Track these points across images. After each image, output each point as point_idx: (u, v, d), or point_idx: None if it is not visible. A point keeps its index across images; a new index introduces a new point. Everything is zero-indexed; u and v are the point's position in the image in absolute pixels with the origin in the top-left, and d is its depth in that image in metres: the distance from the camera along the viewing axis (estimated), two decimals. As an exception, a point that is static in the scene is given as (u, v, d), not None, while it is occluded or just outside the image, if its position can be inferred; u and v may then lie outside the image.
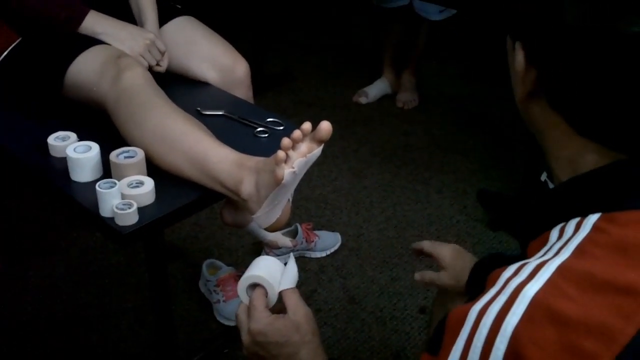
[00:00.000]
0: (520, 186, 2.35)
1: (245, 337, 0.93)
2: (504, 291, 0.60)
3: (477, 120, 2.90)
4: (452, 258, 1.21)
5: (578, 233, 0.63)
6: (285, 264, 1.00)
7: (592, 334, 0.55)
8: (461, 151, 2.76)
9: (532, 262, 0.62)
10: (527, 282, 0.59)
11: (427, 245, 1.26)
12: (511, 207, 0.83)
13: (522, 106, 0.75)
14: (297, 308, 0.93)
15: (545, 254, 0.64)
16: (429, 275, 1.24)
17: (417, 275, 1.26)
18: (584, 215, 0.64)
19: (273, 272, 0.95)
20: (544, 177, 2.29)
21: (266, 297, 0.93)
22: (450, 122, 2.97)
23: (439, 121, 2.99)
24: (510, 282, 0.61)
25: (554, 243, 0.65)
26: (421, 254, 1.29)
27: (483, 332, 0.59)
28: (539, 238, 0.68)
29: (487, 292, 0.62)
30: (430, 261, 1.30)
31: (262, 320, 0.91)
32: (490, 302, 0.60)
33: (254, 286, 0.95)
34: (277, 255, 2.16)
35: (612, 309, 0.56)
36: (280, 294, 0.94)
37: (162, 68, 1.65)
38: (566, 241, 0.63)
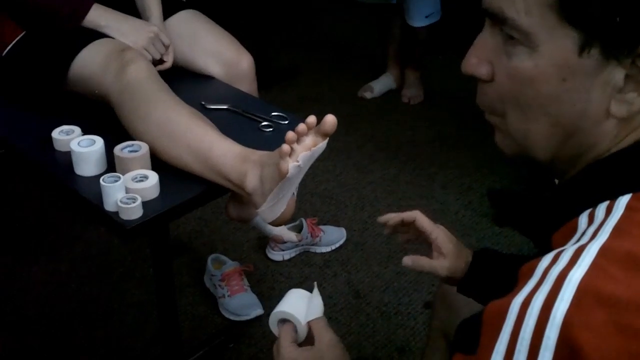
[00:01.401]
0: (526, 181, 2.34)
1: None
2: (545, 280, 0.58)
3: (482, 116, 2.87)
4: (454, 245, 1.10)
5: (611, 215, 0.62)
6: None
7: None
8: (466, 146, 2.75)
9: (570, 249, 0.60)
10: (569, 268, 0.58)
11: (421, 220, 1.12)
12: (521, 203, 0.81)
13: (596, 122, 0.67)
14: (321, 337, 0.94)
15: (579, 239, 0.62)
16: (424, 262, 1.10)
17: (408, 260, 1.10)
18: (613, 198, 0.63)
19: (300, 305, 0.98)
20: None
21: (295, 331, 0.96)
22: (456, 117, 2.96)
23: (444, 116, 2.98)
24: (550, 271, 0.59)
25: (586, 228, 0.63)
26: (398, 230, 1.15)
27: (530, 324, 0.57)
28: (564, 227, 0.67)
29: (524, 284, 0.60)
30: (416, 243, 1.17)
31: (287, 355, 0.94)
32: (533, 292, 0.58)
33: (284, 321, 0.99)
34: (282, 250, 2.16)
35: None
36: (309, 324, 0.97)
37: (167, 64, 1.65)
38: (600, 224, 0.62)
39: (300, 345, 0.96)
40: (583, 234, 0.63)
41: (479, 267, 1.09)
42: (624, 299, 0.55)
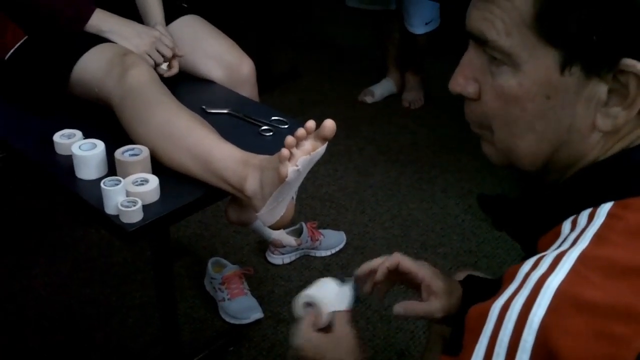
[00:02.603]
0: (525, 186, 2.35)
1: (290, 352, 0.96)
2: (525, 285, 0.60)
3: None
4: (442, 281, 1.01)
5: (593, 222, 0.63)
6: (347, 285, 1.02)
7: (621, 318, 0.56)
8: (467, 150, 2.75)
9: (550, 254, 0.62)
10: (548, 273, 0.59)
11: (404, 262, 1.03)
12: (510, 208, 0.80)
13: (584, 135, 0.68)
14: (341, 327, 0.95)
15: (560, 245, 0.63)
16: (417, 307, 1.01)
17: (400, 308, 1.00)
18: (595, 205, 0.64)
19: (328, 293, 0.97)
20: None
21: (319, 316, 0.96)
22: (456, 121, 2.96)
23: (444, 121, 2.99)
24: (530, 276, 0.60)
25: (568, 234, 0.64)
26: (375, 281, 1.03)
27: (509, 327, 0.58)
28: (550, 232, 0.68)
29: (506, 288, 0.62)
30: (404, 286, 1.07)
31: (303, 336, 0.95)
32: (513, 296, 0.60)
33: (308, 305, 0.98)
34: (282, 254, 2.17)
35: (637, 293, 0.57)
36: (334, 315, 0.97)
37: (174, 70, 1.66)
38: (581, 231, 0.63)
39: (323, 331, 0.96)
40: (565, 239, 0.64)
41: (471, 297, 1.02)
42: (602, 305, 0.56)
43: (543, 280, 0.59)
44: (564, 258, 0.60)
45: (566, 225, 0.66)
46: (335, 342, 0.94)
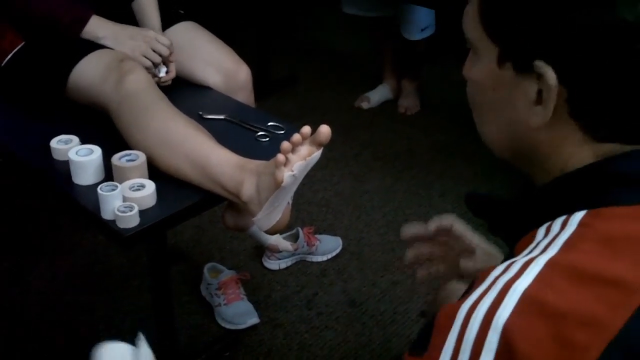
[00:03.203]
0: (522, 190, 2.35)
1: None
2: (493, 287, 0.61)
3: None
4: (486, 255, 1.02)
5: (564, 230, 0.64)
6: None
7: (582, 325, 0.56)
8: (463, 156, 2.76)
9: (520, 260, 0.63)
10: (516, 278, 0.60)
11: (459, 226, 1.04)
12: (495, 207, 0.81)
13: (527, 129, 0.71)
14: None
15: (531, 251, 0.64)
16: (473, 239, 1.02)
17: (422, 272, 1.04)
18: (570, 213, 0.66)
19: None
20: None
21: None
22: (452, 127, 2.98)
23: (441, 126, 3.00)
24: (499, 279, 0.62)
25: (540, 241, 0.65)
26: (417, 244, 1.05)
27: (474, 327, 0.59)
28: (526, 237, 0.69)
29: (475, 290, 0.63)
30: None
31: None
32: (480, 298, 0.61)
33: None
34: (278, 259, 2.17)
35: (601, 301, 0.57)
36: None
37: (171, 74, 1.66)
38: (553, 238, 0.64)
39: None
40: (537, 245, 0.65)
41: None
42: (564, 311, 0.57)
43: (510, 284, 0.60)
44: (533, 263, 0.61)
45: (540, 232, 0.67)
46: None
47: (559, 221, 0.66)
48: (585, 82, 0.66)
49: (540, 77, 0.67)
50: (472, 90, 0.77)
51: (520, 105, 0.70)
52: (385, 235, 2.34)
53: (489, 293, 0.61)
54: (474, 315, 0.60)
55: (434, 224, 1.07)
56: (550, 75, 0.66)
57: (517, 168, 0.79)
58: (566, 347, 0.56)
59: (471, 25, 0.73)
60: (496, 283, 0.61)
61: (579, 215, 0.65)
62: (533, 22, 0.66)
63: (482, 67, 0.73)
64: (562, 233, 0.64)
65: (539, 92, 0.68)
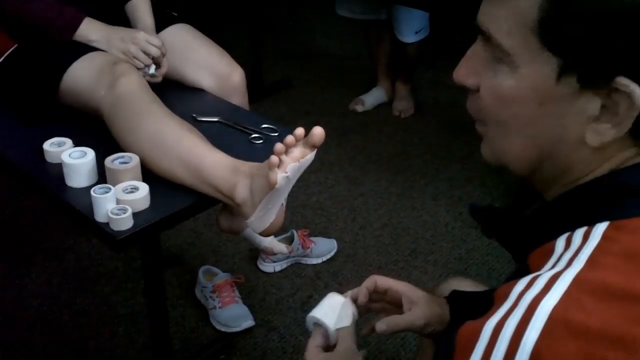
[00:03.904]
0: (514, 194, 2.36)
1: None
2: (519, 305, 0.59)
3: (473, 129, 2.88)
4: (423, 292, 1.03)
5: (587, 243, 0.62)
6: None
7: (613, 344, 0.55)
8: (457, 159, 2.77)
9: (545, 274, 0.61)
10: (543, 295, 0.59)
11: (382, 279, 1.04)
12: (502, 218, 0.80)
13: (571, 146, 0.68)
14: (340, 345, 0.97)
15: (555, 265, 0.63)
16: (398, 320, 1.01)
17: (382, 325, 1.00)
18: (590, 224, 0.64)
19: (331, 312, 1.01)
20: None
21: (327, 336, 1.00)
22: (446, 130, 2.98)
23: (435, 129, 3.00)
24: (524, 296, 0.60)
25: (562, 253, 0.64)
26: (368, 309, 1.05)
27: (501, 348, 0.57)
28: (541, 248, 0.67)
29: (498, 307, 0.61)
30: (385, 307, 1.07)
31: (308, 356, 0.98)
32: (506, 316, 0.59)
33: (318, 325, 1.02)
34: (273, 262, 2.17)
35: (631, 318, 0.56)
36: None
37: (163, 70, 1.65)
38: (576, 251, 0.62)
39: (329, 348, 0.99)
40: (559, 259, 0.63)
41: (459, 310, 1.03)
42: (594, 331, 0.56)
43: (537, 302, 0.58)
44: (559, 280, 0.59)
45: (560, 243, 0.65)
46: (337, 359, 0.95)
47: (579, 232, 0.64)
48: None
49: (610, 93, 0.63)
50: (495, 103, 0.70)
51: (573, 122, 0.66)
52: (380, 237, 2.34)
53: (515, 311, 0.59)
54: (500, 334, 0.58)
55: (362, 294, 1.04)
56: (638, 93, 0.62)
57: (525, 181, 0.76)
58: None
59: (509, 30, 0.66)
60: (522, 300, 0.59)
61: (601, 227, 0.63)
62: (619, 34, 0.61)
63: (520, 79, 0.67)
64: (585, 246, 0.62)
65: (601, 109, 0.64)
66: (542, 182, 0.74)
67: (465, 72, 0.74)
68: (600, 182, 0.68)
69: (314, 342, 0.99)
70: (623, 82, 0.62)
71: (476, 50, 0.72)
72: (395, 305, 1.05)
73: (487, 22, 0.68)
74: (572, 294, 0.58)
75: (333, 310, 1.01)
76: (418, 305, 1.01)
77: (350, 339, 0.97)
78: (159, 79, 1.66)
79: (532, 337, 0.56)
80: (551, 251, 0.65)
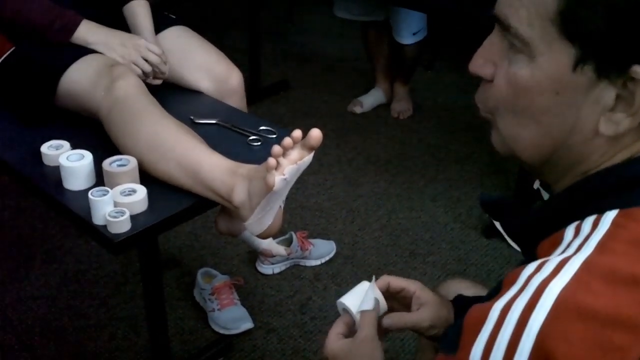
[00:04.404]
0: (513, 194, 2.36)
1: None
2: (527, 288, 0.60)
3: (471, 130, 2.90)
4: (434, 294, 1.02)
5: (597, 230, 0.63)
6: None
7: (621, 327, 0.56)
8: (455, 160, 2.77)
9: (554, 259, 0.62)
10: (551, 278, 0.59)
11: (395, 280, 1.03)
12: (512, 210, 0.81)
13: (585, 135, 0.68)
14: (361, 331, 0.95)
15: (564, 250, 0.63)
16: (405, 317, 1.00)
17: (388, 320, 0.99)
18: (599, 212, 0.65)
19: (357, 297, 1.00)
20: (536, 185, 2.30)
21: (353, 322, 0.99)
22: (445, 131, 2.98)
23: (433, 130, 3.00)
24: (532, 279, 0.60)
25: (572, 240, 0.64)
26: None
27: (508, 329, 0.58)
28: (550, 237, 0.68)
29: (507, 290, 0.62)
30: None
31: (328, 343, 0.97)
32: (514, 299, 0.60)
33: (345, 311, 1.01)
34: (272, 264, 2.17)
35: (638, 302, 0.57)
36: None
37: (162, 78, 1.66)
38: (585, 238, 0.63)
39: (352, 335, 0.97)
40: (568, 245, 0.64)
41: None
42: (603, 313, 0.56)
43: (545, 285, 0.59)
44: (568, 264, 0.60)
45: (569, 231, 0.66)
46: (351, 346, 0.94)
47: (589, 220, 0.65)
48: None
49: (626, 83, 0.64)
50: (511, 92, 0.71)
51: (589, 112, 0.67)
52: (379, 239, 2.34)
53: (523, 293, 0.60)
54: (508, 316, 0.59)
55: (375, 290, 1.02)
56: None
57: (533, 173, 0.77)
58: (606, 349, 0.55)
59: (529, 20, 0.66)
60: (530, 283, 0.60)
61: (611, 215, 0.64)
62: (636, 24, 0.62)
63: (537, 69, 0.67)
64: (594, 233, 0.63)
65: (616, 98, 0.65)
66: (553, 173, 0.74)
67: (481, 62, 0.74)
68: (612, 172, 0.68)
69: (336, 330, 0.98)
70: (639, 70, 0.63)
71: (493, 41, 0.73)
72: (405, 305, 1.04)
73: (507, 12, 0.69)
74: (581, 277, 0.59)
75: (359, 296, 1.00)
76: (426, 307, 1.00)
77: (371, 326, 0.95)
78: (158, 82, 1.66)
79: (539, 319, 0.57)
80: (560, 239, 0.66)
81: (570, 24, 0.64)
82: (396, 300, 1.04)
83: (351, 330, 0.98)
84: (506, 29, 0.69)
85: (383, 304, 1.00)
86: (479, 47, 0.75)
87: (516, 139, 0.74)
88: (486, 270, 2.20)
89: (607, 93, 0.65)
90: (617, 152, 0.69)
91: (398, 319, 1.00)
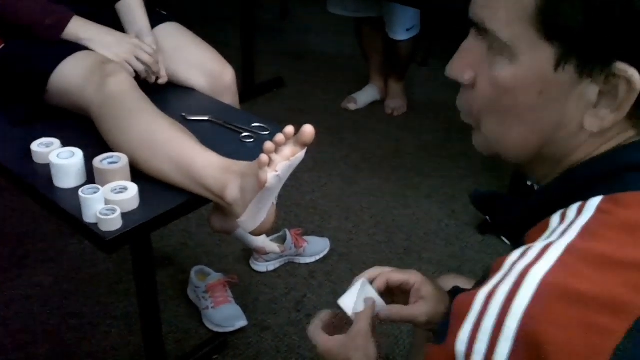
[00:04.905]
0: (508, 191, 2.36)
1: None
2: (510, 273, 0.60)
3: (465, 126, 2.89)
4: (434, 287, 1.01)
5: (581, 215, 0.64)
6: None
7: (606, 309, 0.56)
8: (450, 157, 2.76)
9: (537, 245, 0.62)
10: (534, 263, 0.60)
11: (392, 274, 1.01)
12: (504, 204, 0.80)
13: (571, 132, 0.68)
14: (354, 325, 0.96)
15: (549, 237, 0.64)
16: (401, 311, 0.99)
17: (386, 312, 0.98)
18: (584, 199, 0.65)
19: (351, 299, 1.00)
20: (530, 181, 2.30)
21: (340, 319, 1.01)
22: (439, 128, 2.98)
23: (428, 127, 3.00)
24: (516, 265, 0.61)
25: (556, 227, 0.65)
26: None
27: (493, 313, 0.59)
28: (538, 226, 0.68)
29: (491, 277, 0.62)
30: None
31: (314, 338, 0.99)
32: (498, 284, 0.60)
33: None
34: (266, 261, 2.16)
35: (625, 284, 0.57)
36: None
37: (162, 80, 1.66)
38: (570, 224, 0.63)
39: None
40: (553, 232, 0.65)
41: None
42: (588, 295, 0.57)
43: (528, 269, 0.59)
44: (551, 248, 0.61)
45: (555, 219, 0.66)
46: (350, 339, 0.94)
47: (574, 207, 0.65)
48: None
49: (608, 79, 0.64)
50: (494, 94, 0.70)
51: (573, 108, 0.67)
52: (374, 236, 2.34)
53: (506, 279, 0.60)
54: (492, 301, 0.59)
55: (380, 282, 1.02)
56: (637, 78, 0.63)
57: (521, 170, 0.77)
58: (591, 330, 0.56)
59: (507, 21, 0.66)
60: (513, 268, 0.61)
61: (595, 201, 0.64)
62: (615, 21, 0.61)
63: (519, 69, 0.67)
64: (578, 218, 0.63)
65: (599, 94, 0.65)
66: (540, 170, 0.75)
67: (460, 67, 0.74)
68: (598, 160, 0.69)
69: (316, 325, 1.00)
70: (621, 67, 0.63)
71: (470, 44, 0.73)
72: (406, 294, 1.03)
73: (483, 15, 0.68)
74: (565, 260, 0.59)
75: (354, 296, 1.00)
76: (425, 302, 0.99)
77: (364, 321, 0.96)
78: (163, 81, 1.67)
79: (523, 302, 0.57)
80: (547, 227, 0.66)
81: (549, 22, 0.64)
82: (397, 292, 1.04)
83: (341, 325, 0.99)
84: (484, 32, 0.69)
85: (379, 301, 0.99)
86: (456, 53, 0.74)
87: (501, 140, 0.74)
88: (481, 266, 2.20)
89: (590, 89, 0.65)
90: (603, 144, 0.69)
91: (395, 311, 1.00)
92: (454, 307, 0.64)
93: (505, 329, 0.57)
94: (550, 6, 0.63)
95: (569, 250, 0.60)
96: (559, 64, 0.65)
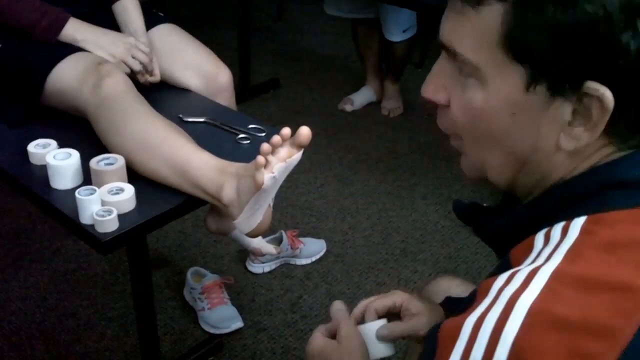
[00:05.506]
0: (503, 192, 2.36)
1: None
2: (498, 300, 0.59)
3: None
4: (422, 303, 1.00)
5: (566, 237, 0.63)
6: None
7: (594, 334, 0.55)
8: (446, 158, 2.77)
9: (524, 269, 0.61)
10: (522, 289, 0.59)
11: (376, 302, 1.00)
12: (485, 216, 0.80)
13: (547, 152, 0.68)
14: (340, 329, 0.94)
15: (534, 260, 0.63)
16: (402, 326, 0.98)
17: (384, 331, 0.96)
18: (568, 218, 0.64)
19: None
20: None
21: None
22: (436, 129, 2.97)
23: (424, 128, 3.00)
24: (503, 292, 0.60)
25: (542, 249, 0.64)
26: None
27: (482, 343, 0.58)
28: (522, 244, 0.68)
29: (479, 303, 0.61)
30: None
31: (312, 341, 0.97)
32: (486, 312, 0.59)
33: None
34: (262, 262, 2.16)
35: (611, 308, 0.57)
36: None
37: (156, 78, 1.66)
38: (555, 246, 0.63)
39: None
40: (539, 254, 0.64)
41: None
42: (575, 322, 0.56)
43: (517, 297, 0.58)
44: (538, 274, 0.60)
45: (539, 238, 0.66)
46: (339, 346, 0.93)
47: (558, 227, 0.65)
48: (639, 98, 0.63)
49: (580, 98, 0.64)
50: (467, 118, 0.70)
51: (548, 128, 0.67)
52: (370, 237, 2.34)
53: (494, 306, 0.59)
54: (481, 330, 0.58)
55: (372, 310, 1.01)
56: (608, 96, 0.62)
57: (507, 191, 0.76)
58: (580, 358, 0.55)
59: (474, 46, 0.66)
60: (501, 295, 0.60)
61: (579, 221, 0.63)
62: (579, 44, 0.61)
63: (490, 92, 0.67)
64: (564, 241, 0.63)
65: (573, 113, 0.65)
66: (521, 189, 0.75)
67: (433, 89, 0.74)
68: (578, 179, 0.68)
69: (318, 330, 0.98)
70: (592, 86, 0.63)
71: (442, 66, 0.73)
72: (396, 317, 1.02)
73: (451, 39, 0.69)
74: (552, 287, 0.58)
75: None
76: (421, 316, 0.98)
77: (346, 322, 0.94)
78: (156, 80, 1.67)
79: (512, 331, 0.57)
80: (531, 247, 0.66)
81: (516, 47, 0.64)
82: (387, 317, 1.02)
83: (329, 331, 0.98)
84: (453, 55, 0.69)
85: (381, 322, 0.98)
86: (429, 74, 0.75)
87: (483, 162, 0.74)
88: (477, 267, 2.20)
89: (564, 109, 0.65)
90: (582, 161, 0.69)
91: (394, 328, 0.98)
92: (441, 333, 0.62)
93: (495, 358, 0.57)
94: (515, 32, 0.63)
95: (556, 275, 0.59)
96: (529, 85, 0.65)
